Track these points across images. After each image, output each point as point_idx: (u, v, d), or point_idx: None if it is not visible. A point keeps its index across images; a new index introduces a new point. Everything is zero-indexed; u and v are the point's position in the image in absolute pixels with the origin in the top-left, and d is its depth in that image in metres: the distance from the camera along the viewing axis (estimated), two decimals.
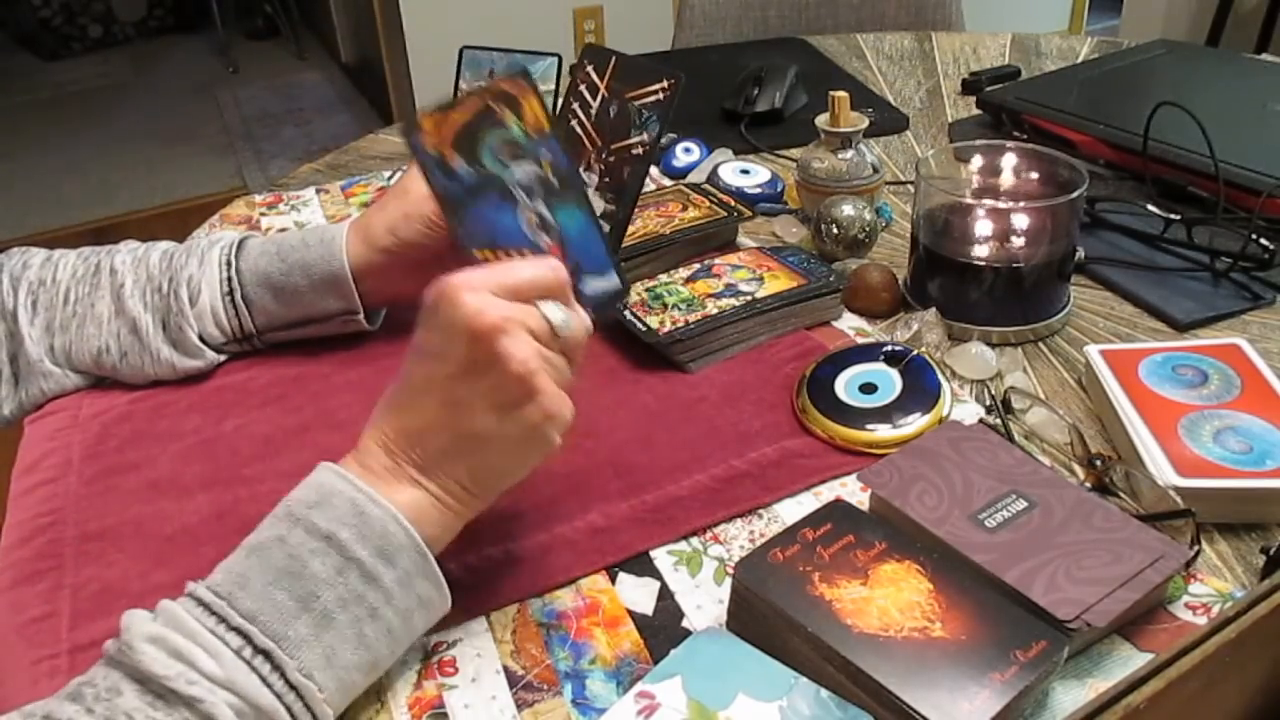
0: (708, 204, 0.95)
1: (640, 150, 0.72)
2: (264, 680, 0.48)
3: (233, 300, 0.77)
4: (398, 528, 0.53)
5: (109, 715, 0.46)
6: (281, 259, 0.77)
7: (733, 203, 0.95)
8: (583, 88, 0.74)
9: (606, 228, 0.72)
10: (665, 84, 0.71)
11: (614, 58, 0.73)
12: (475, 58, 0.75)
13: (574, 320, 0.56)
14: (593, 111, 0.73)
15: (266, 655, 0.49)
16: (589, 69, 0.74)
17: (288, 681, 0.49)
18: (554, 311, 0.55)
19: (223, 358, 0.80)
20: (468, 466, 0.55)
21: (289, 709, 0.49)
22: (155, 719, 0.46)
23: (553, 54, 0.73)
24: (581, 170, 0.74)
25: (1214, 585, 0.59)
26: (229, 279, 0.77)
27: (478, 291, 0.53)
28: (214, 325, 0.77)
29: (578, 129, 0.74)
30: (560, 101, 0.75)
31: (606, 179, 0.74)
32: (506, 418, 0.53)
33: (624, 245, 0.88)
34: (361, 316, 0.79)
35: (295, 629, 0.50)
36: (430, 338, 0.54)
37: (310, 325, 0.79)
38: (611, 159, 0.73)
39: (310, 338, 0.81)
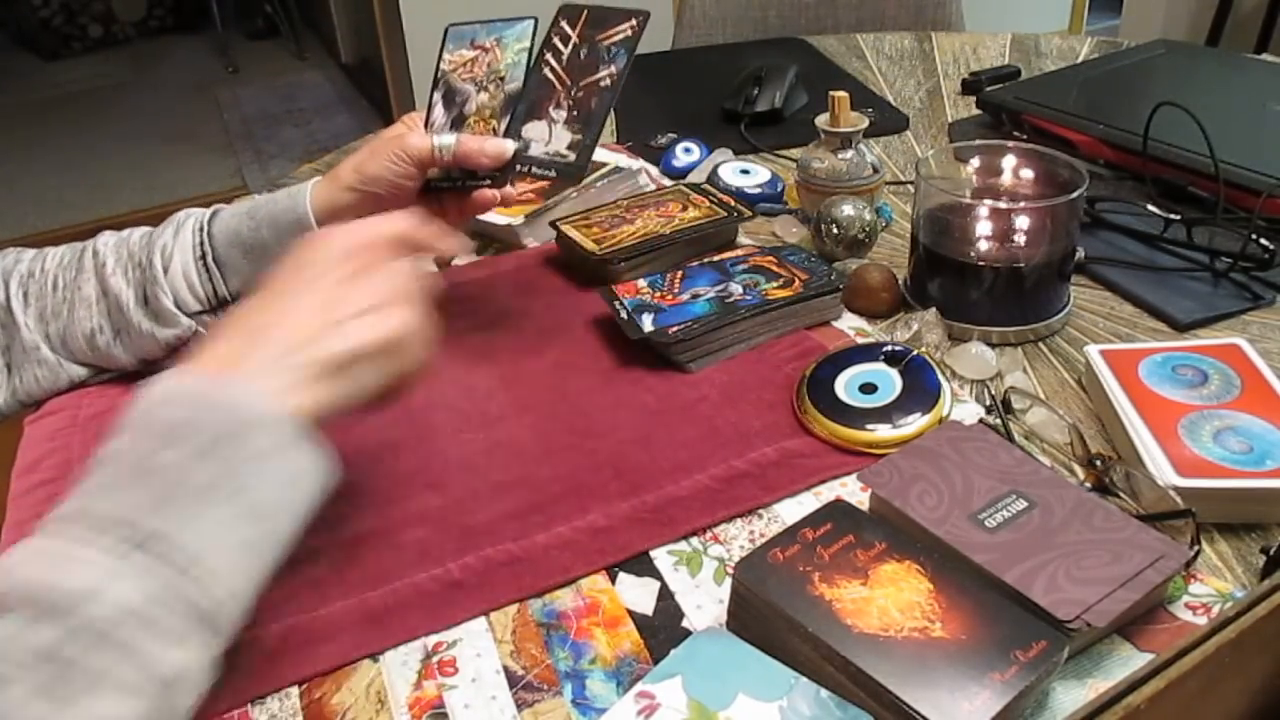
0: (708, 204, 0.95)
1: (608, 81, 0.75)
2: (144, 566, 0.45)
3: (205, 264, 0.77)
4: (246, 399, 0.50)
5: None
6: (251, 216, 0.77)
7: (733, 203, 0.95)
8: (556, 40, 0.77)
9: (573, 156, 0.76)
10: (633, 22, 0.74)
11: (585, 10, 0.77)
12: (459, 31, 0.78)
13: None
14: (564, 57, 0.76)
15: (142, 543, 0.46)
16: (563, 24, 0.77)
17: (169, 560, 0.46)
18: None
19: (202, 330, 0.78)
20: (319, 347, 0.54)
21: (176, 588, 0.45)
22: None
23: (530, 16, 0.75)
24: (551, 109, 0.77)
25: (1214, 585, 0.59)
26: (201, 243, 0.77)
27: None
28: (188, 291, 0.76)
29: (549, 74, 0.77)
30: (535, 57, 0.78)
31: (574, 113, 0.76)
32: (353, 285, 0.56)
33: (624, 246, 0.88)
34: None
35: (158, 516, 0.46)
36: (294, 262, 0.58)
37: None
38: (580, 94, 0.76)
39: None
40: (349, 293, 0.56)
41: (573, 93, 0.76)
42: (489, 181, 0.78)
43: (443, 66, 0.79)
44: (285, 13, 4.16)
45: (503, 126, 0.78)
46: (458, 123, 0.78)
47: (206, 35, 4.29)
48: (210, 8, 4.09)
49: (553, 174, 0.77)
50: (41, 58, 4.13)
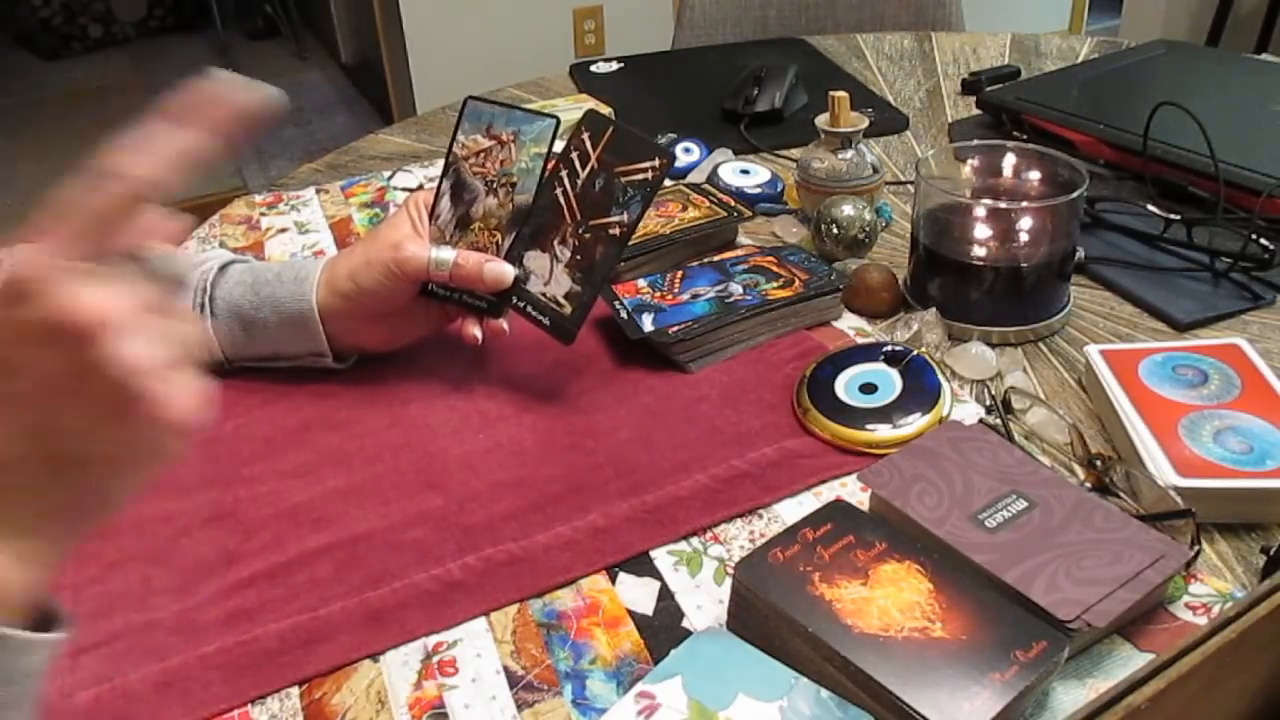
0: (708, 204, 0.95)
1: (617, 231, 0.71)
2: None
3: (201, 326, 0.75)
4: None
5: None
6: (255, 291, 0.75)
7: (733, 203, 0.95)
8: (574, 155, 0.73)
9: (569, 309, 0.72)
10: (655, 163, 0.71)
11: (611, 128, 0.73)
12: (476, 109, 0.75)
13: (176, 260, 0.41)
14: (579, 182, 0.72)
15: None
16: (584, 136, 0.73)
17: None
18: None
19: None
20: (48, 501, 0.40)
21: None
22: None
23: (551, 116, 0.72)
24: (556, 243, 0.73)
25: (1214, 585, 0.59)
26: (201, 305, 0.75)
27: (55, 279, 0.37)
28: None
29: (560, 199, 0.73)
30: (548, 166, 0.73)
31: (578, 257, 0.72)
32: (104, 437, 0.39)
33: None
34: (330, 359, 0.77)
35: None
36: None
37: (280, 360, 0.78)
38: (587, 235, 0.72)
39: (283, 368, 0.79)
40: (64, 402, 0.38)
41: (580, 231, 0.72)
42: (485, 305, 0.75)
43: (455, 150, 0.76)
44: (285, 13, 4.15)
45: (506, 243, 0.75)
46: (463, 222, 0.75)
47: (206, 35, 4.29)
48: (210, 8, 4.08)
49: (546, 322, 0.74)
50: (41, 58, 4.12)
